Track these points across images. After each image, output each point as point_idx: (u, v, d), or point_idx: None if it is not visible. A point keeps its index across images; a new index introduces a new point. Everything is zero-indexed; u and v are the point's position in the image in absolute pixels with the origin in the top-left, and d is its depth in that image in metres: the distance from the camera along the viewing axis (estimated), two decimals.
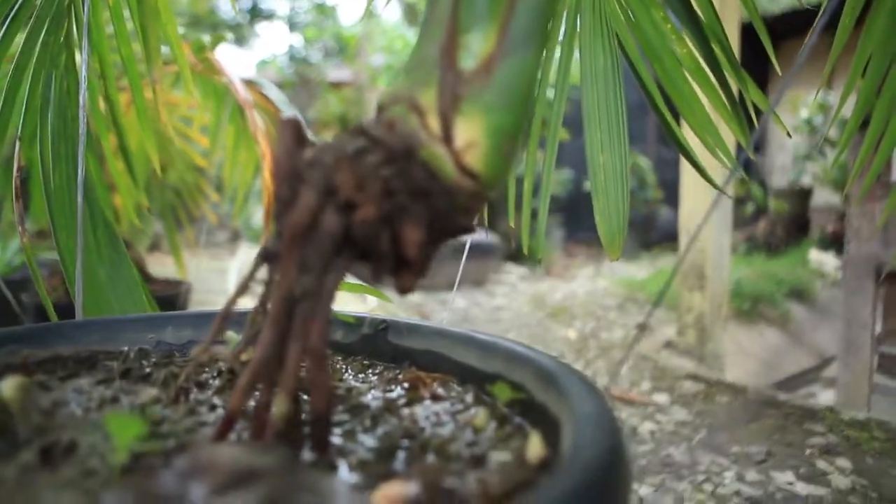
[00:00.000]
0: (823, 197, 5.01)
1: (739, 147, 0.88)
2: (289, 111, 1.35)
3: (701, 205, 2.59)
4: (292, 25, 9.24)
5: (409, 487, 0.31)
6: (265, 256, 0.38)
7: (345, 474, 0.36)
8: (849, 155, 1.78)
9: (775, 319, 3.10)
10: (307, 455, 0.38)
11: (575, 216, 6.16)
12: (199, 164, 1.82)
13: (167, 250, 2.13)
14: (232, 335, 0.53)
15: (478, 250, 4.38)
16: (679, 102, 0.80)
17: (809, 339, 2.98)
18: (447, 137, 0.35)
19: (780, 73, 0.84)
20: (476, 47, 0.37)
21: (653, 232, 6.33)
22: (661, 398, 2.18)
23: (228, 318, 0.39)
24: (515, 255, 5.21)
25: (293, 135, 0.35)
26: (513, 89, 0.37)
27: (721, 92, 0.78)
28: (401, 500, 0.30)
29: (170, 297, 1.54)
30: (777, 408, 2.05)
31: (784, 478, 1.59)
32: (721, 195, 0.63)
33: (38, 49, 0.60)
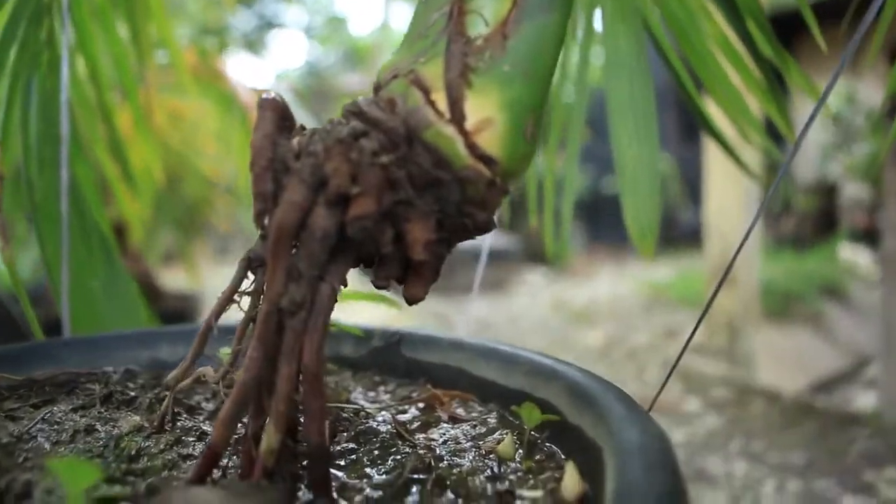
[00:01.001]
0: (851, 191, 4.87)
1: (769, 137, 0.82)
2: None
3: (727, 201, 2.50)
4: (308, 34, 9.29)
5: None
6: (249, 263, 0.33)
7: None
8: (891, 150, 1.70)
9: (808, 318, 2.99)
10: (304, 495, 0.33)
11: (595, 218, 6.08)
12: (209, 174, 1.79)
13: (180, 261, 2.10)
14: (225, 351, 0.48)
15: (497, 252, 4.32)
16: (710, 84, 0.74)
17: (845, 338, 2.86)
18: (457, 116, 0.30)
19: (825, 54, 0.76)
20: (488, 11, 0.32)
21: (675, 231, 6.21)
22: (693, 404, 2.10)
23: (209, 335, 0.34)
24: (535, 257, 5.14)
25: (274, 118, 0.30)
26: (533, 58, 0.31)
27: (756, 73, 0.72)
28: None
29: (180, 310, 1.51)
30: (815, 413, 1.95)
31: (828, 488, 1.50)
32: (762, 201, 0.57)
33: (15, 47, 0.56)
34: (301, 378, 0.32)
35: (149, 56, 0.73)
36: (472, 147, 0.29)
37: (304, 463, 0.34)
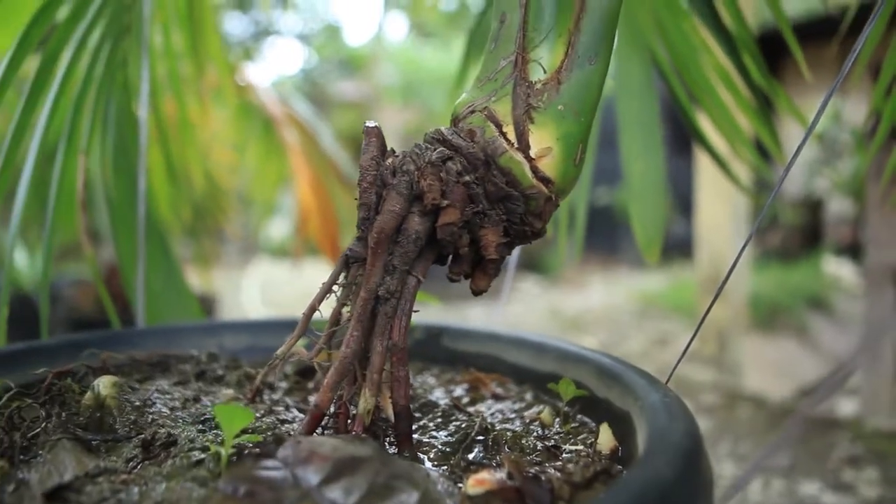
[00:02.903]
0: (836, 206, 5.00)
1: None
2: (316, 124, 1.38)
3: (718, 215, 2.60)
4: (304, 42, 9.37)
5: (499, 474, 0.33)
6: (348, 260, 0.40)
7: (430, 464, 0.38)
8: (873, 165, 1.80)
9: (793, 329, 3.10)
10: (389, 448, 0.40)
11: (587, 228, 6.19)
12: (223, 182, 1.85)
13: (190, 264, 2.16)
14: (303, 342, 0.55)
15: None
16: (707, 107, 0.82)
17: (828, 348, 2.97)
18: (524, 145, 0.37)
19: (808, 80, 0.85)
20: (545, 61, 0.40)
21: (665, 242, 6.33)
22: None
23: (312, 314, 0.41)
24: (527, 266, 5.22)
25: (378, 143, 0.38)
26: (582, 99, 0.39)
27: (749, 98, 0.80)
28: (493, 486, 0.32)
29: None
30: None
31: (810, 489, 1.58)
32: (752, 217, 0.65)
33: (101, 65, 0.63)
34: (389, 353, 0.39)
35: (205, 69, 0.80)
36: (535, 170, 0.37)
37: (383, 426, 0.42)
